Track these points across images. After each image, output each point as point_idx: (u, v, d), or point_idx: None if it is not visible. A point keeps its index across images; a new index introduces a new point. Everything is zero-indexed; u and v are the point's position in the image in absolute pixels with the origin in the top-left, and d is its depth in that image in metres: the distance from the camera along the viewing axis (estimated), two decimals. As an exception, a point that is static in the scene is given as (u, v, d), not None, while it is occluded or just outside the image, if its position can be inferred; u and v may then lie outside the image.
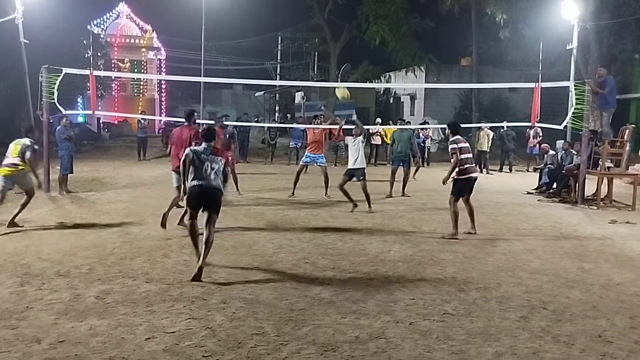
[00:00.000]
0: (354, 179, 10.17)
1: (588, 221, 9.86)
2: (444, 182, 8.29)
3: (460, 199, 8.24)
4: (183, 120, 9.38)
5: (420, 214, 10.10)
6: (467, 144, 8.38)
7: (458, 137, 8.32)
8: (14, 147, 8.52)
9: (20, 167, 8.43)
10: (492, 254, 7.23)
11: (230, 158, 10.15)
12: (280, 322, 4.60)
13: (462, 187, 8.23)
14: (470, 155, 8.28)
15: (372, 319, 4.73)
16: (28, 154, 8.43)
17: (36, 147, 8.86)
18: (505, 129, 18.92)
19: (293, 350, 4.08)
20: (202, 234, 6.04)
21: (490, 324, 4.69)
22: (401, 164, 12.36)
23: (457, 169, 8.14)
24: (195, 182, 6.07)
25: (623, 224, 9.58)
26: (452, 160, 8.18)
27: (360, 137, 10.27)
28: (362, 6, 25.13)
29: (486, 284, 5.84)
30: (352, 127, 10.97)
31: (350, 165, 10.25)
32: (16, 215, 8.35)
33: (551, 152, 14.48)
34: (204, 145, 6.31)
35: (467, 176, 8.18)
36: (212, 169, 6.12)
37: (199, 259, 5.85)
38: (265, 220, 9.14)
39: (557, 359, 4.05)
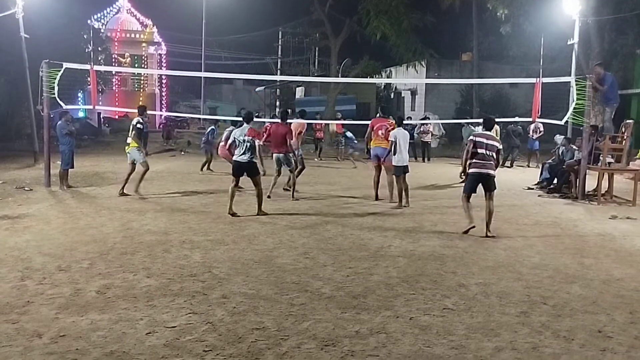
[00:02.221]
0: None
1: (588, 217, 9.86)
2: (460, 175, 8.43)
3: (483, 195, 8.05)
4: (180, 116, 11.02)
5: (421, 209, 10.10)
6: (489, 141, 7.96)
7: (484, 132, 8.17)
8: (131, 127, 10.91)
9: (130, 145, 10.83)
10: (492, 249, 7.24)
11: None
12: (281, 317, 4.61)
13: (470, 183, 8.02)
14: (483, 152, 7.88)
15: (373, 314, 4.74)
16: (132, 132, 10.79)
17: (139, 126, 10.95)
18: (517, 125, 18.91)
19: (293, 344, 4.09)
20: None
21: (491, 319, 4.70)
22: None
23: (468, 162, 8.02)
24: (235, 157, 9.08)
25: (623, 219, 9.58)
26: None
27: (396, 132, 10.13)
28: (363, 1, 25.02)
29: (486, 279, 5.85)
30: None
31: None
32: (139, 182, 10.87)
33: (559, 138, 14.44)
34: (244, 126, 9.12)
35: (471, 170, 7.98)
36: (245, 146, 8.91)
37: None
38: (266, 215, 9.14)
39: (557, 354, 4.06)
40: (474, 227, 7.92)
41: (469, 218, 7.97)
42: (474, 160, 7.96)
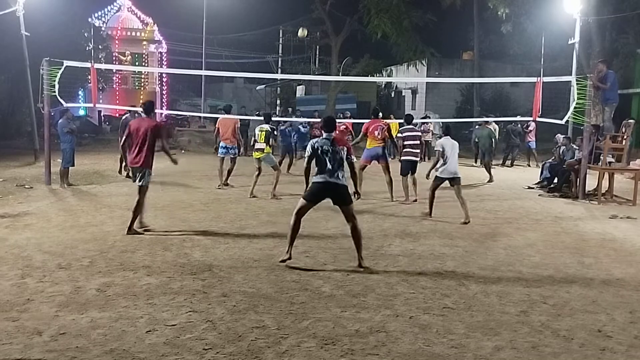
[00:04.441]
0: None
1: (589, 216, 9.86)
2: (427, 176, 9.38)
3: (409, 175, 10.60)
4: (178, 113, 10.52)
5: (421, 208, 10.09)
6: (413, 133, 10.79)
7: (407, 126, 10.84)
8: (260, 134, 10.82)
9: (265, 151, 10.80)
10: (492, 248, 7.24)
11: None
12: (281, 316, 4.62)
13: (407, 167, 10.55)
14: (411, 142, 10.56)
15: (373, 313, 4.74)
16: (271, 140, 10.85)
17: (275, 132, 11.49)
18: (519, 124, 18.90)
19: (293, 343, 4.09)
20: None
21: (490, 318, 4.71)
22: (483, 155, 15.23)
23: (402, 150, 10.62)
24: (320, 177, 6.16)
25: (624, 219, 9.58)
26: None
27: (443, 141, 9.18)
28: (364, 0, 25.04)
29: (486, 278, 5.85)
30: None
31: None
32: (274, 186, 10.89)
33: (560, 137, 14.39)
34: (324, 135, 6.30)
35: (407, 158, 10.56)
36: (337, 160, 6.13)
37: None
38: (266, 214, 9.14)
39: (557, 353, 4.06)
40: (415, 200, 10.46)
41: (405, 193, 10.52)
42: (407, 150, 10.53)
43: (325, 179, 6.09)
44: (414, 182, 10.71)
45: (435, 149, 9.78)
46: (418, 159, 10.72)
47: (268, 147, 10.82)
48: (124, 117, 14.33)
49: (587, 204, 11.14)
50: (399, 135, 10.95)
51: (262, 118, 12.01)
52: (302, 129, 17.87)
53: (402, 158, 10.64)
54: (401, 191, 10.64)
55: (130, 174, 7.95)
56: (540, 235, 8.16)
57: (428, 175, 9.30)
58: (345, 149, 6.28)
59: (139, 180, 7.57)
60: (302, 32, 23.86)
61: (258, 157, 10.93)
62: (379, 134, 10.71)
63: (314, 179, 6.20)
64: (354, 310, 4.78)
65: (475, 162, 19.15)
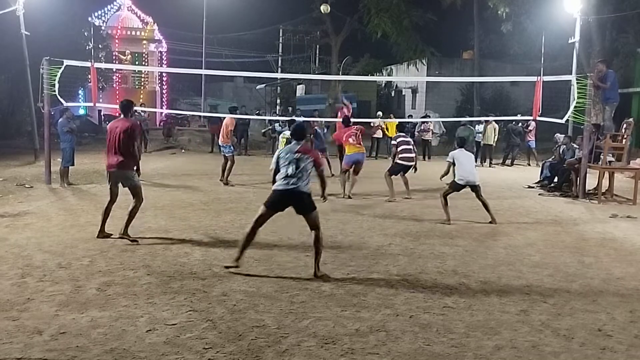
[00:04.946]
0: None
1: (589, 215, 9.86)
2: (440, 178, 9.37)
3: (399, 175, 11.01)
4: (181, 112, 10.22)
5: (421, 208, 10.10)
6: (407, 138, 11.15)
7: (400, 134, 11.19)
8: (282, 140, 11.96)
9: None
10: (492, 247, 7.24)
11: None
12: (281, 315, 4.62)
13: (400, 169, 10.95)
14: (405, 147, 10.85)
15: (373, 312, 4.74)
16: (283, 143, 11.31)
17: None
18: (520, 124, 18.90)
19: (293, 342, 4.09)
20: None
21: (491, 317, 4.71)
22: None
23: (397, 156, 10.88)
24: (279, 184, 5.87)
25: (624, 218, 9.58)
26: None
27: (454, 154, 8.99)
28: (364, -1, 25.09)
29: (486, 278, 5.85)
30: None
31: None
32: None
33: (559, 137, 14.37)
34: (293, 143, 6.04)
35: (402, 162, 10.85)
36: (301, 167, 5.83)
37: None
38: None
39: (557, 352, 4.06)
40: (395, 199, 10.65)
41: (391, 192, 10.77)
42: (404, 155, 10.83)
43: (285, 187, 5.82)
44: (405, 182, 11.11)
45: (447, 159, 9.22)
46: (412, 163, 11.02)
47: None
48: None
49: (587, 203, 11.14)
50: (393, 142, 11.52)
51: (261, 117, 12.16)
52: (319, 130, 15.72)
53: (396, 161, 10.97)
54: (396, 192, 10.83)
55: (108, 178, 7.32)
56: (541, 234, 8.16)
57: (441, 177, 9.26)
58: (313, 158, 5.94)
59: (128, 184, 7.24)
60: (325, 8, 23.23)
61: None
62: (354, 140, 11.18)
63: (274, 186, 5.95)
64: (354, 310, 4.78)
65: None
